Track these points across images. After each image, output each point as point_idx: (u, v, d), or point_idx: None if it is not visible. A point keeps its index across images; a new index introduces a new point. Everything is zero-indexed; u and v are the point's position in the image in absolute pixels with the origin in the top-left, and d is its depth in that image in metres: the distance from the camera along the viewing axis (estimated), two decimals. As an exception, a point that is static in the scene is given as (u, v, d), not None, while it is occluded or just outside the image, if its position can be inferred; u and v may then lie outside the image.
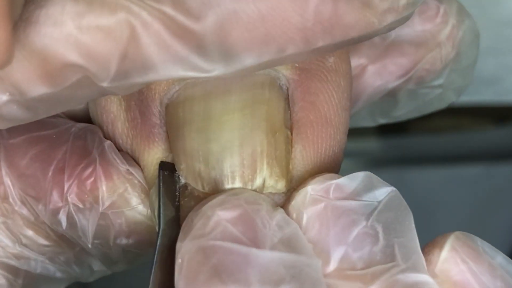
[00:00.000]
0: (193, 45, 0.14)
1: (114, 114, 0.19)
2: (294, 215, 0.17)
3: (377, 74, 0.23)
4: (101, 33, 0.14)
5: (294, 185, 0.18)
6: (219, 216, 0.15)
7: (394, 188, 0.16)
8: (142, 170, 0.19)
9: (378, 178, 0.17)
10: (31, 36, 0.14)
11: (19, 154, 0.19)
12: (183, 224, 0.16)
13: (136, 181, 0.19)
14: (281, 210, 0.17)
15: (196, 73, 0.14)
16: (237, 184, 0.17)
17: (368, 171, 0.17)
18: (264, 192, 0.18)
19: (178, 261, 0.15)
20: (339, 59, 0.19)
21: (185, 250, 0.15)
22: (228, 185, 0.17)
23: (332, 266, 0.15)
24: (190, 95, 0.18)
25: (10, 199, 0.19)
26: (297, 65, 0.18)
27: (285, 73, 0.18)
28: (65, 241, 0.20)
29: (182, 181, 0.18)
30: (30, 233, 0.20)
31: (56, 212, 0.19)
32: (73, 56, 0.14)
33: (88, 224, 0.19)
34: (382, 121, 0.26)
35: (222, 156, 0.17)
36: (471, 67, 0.24)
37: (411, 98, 0.24)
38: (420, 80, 0.23)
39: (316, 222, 0.16)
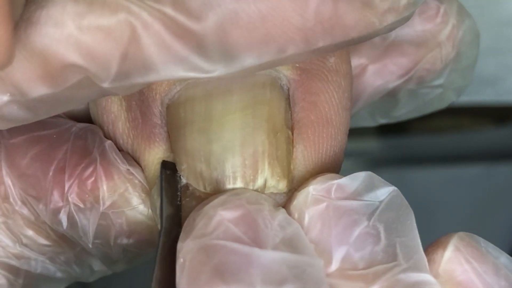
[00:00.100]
0: (194, 45, 0.14)
1: (115, 114, 0.19)
2: (296, 215, 0.17)
3: (378, 74, 0.23)
4: (101, 33, 0.14)
5: (295, 185, 0.18)
6: (221, 216, 0.15)
7: (395, 188, 0.16)
8: (142, 170, 0.19)
9: (380, 178, 0.17)
10: (32, 36, 0.14)
11: (19, 154, 0.19)
12: (185, 224, 0.16)
13: (136, 181, 0.19)
14: (283, 210, 0.17)
15: (197, 74, 0.14)
16: (239, 184, 0.17)
17: (368, 171, 0.17)
18: (265, 192, 0.17)
19: (180, 260, 0.15)
20: (339, 59, 0.19)
21: (187, 249, 0.15)
22: (229, 186, 0.17)
23: (334, 266, 0.15)
24: (191, 95, 0.18)
25: (11, 199, 0.19)
26: (298, 65, 0.18)
27: (286, 73, 0.18)
28: (65, 241, 0.20)
29: (184, 181, 0.18)
30: (30, 233, 0.20)
31: (56, 212, 0.19)
32: (73, 57, 0.14)
33: (88, 224, 0.19)
34: (382, 121, 0.26)
35: (223, 156, 0.17)
36: (471, 67, 0.24)
37: (411, 98, 0.24)
38: (420, 80, 0.23)
39: (318, 222, 0.16)
